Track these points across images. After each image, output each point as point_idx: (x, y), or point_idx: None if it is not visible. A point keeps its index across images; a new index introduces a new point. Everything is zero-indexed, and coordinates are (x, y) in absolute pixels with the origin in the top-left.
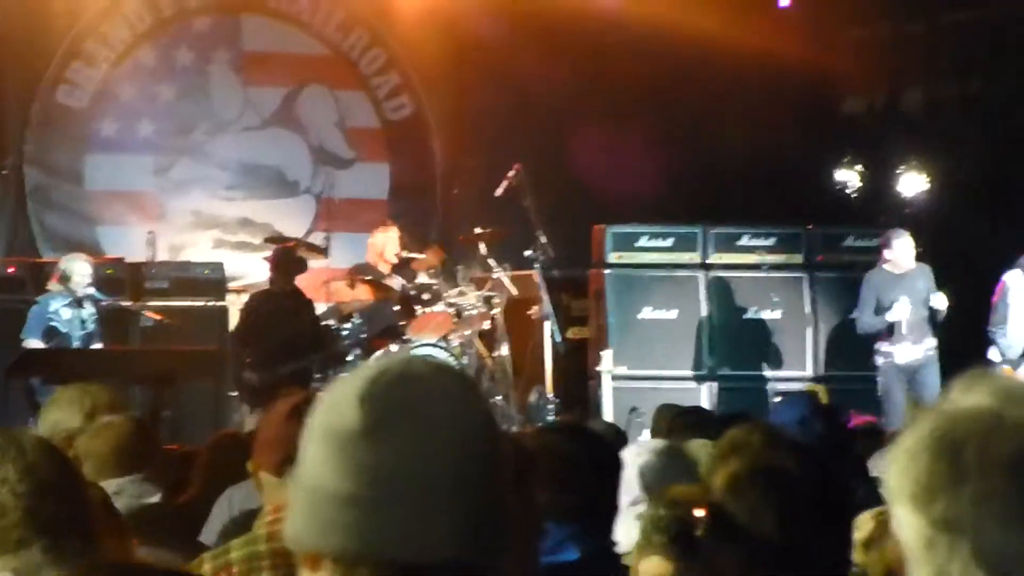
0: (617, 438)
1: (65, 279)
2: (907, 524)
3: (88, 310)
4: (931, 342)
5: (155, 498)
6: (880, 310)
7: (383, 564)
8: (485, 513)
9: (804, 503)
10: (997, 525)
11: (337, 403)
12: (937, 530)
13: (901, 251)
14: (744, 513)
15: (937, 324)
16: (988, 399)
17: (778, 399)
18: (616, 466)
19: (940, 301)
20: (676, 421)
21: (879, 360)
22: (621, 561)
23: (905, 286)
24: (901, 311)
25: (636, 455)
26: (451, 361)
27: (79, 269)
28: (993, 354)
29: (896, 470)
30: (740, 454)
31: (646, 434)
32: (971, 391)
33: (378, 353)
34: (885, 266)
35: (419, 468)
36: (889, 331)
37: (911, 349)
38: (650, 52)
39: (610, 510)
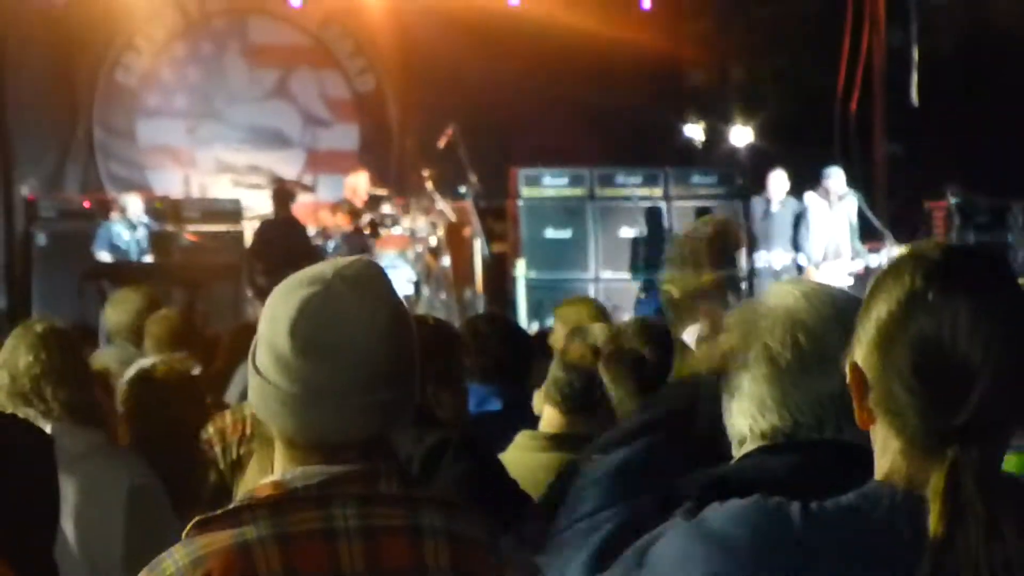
0: None
1: (123, 210)
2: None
3: (141, 232)
4: (793, 253)
5: (196, 371)
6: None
7: (314, 444)
8: (392, 399)
9: (655, 380)
10: (793, 379)
11: (275, 324)
12: (753, 381)
13: (773, 185)
14: (613, 386)
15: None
16: (790, 295)
17: (642, 295)
18: (523, 341)
19: None
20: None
21: (758, 264)
22: (528, 411)
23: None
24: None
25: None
26: (364, 266)
27: (133, 203)
28: (800, 259)
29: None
30: (615, 339)
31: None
32: (783, 288)
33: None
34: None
35: (337, 376)
36: (764, 244)
37: (782, 256)
38: (547, 41)
39: (522, 374)
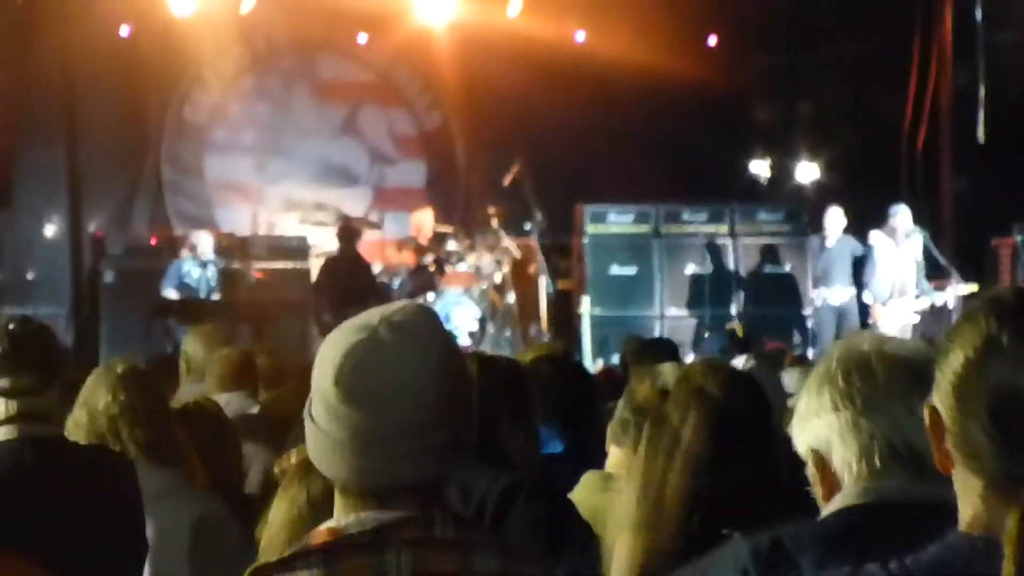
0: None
1: (193, 248)
2: (830, 424)
3: (211, 270)
4: (853, 289)
5: (254, 409)
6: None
7: (366, 490)
8: (445, 443)
9: (727, 420)
10: (901, 408)
11: (323, 373)
12: (859, 414)
13: (830, 222)
14: (682, 425)
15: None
16: (873, 341)
17: (707, 334)
18: (587, 382)
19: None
20: (635, 347)
21: (817, 302)
22: (591, 453)
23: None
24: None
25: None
26: (412, 312)
27: (204, 241)
28: (867, 297)
29: (814, 391)
30: (685, 379)
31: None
32: (858, 338)
33: (418, 300)
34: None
35: (383, 423)
36: (823, 280)
37: (841, 293)
38: (613, 77)
39: (584, 415)
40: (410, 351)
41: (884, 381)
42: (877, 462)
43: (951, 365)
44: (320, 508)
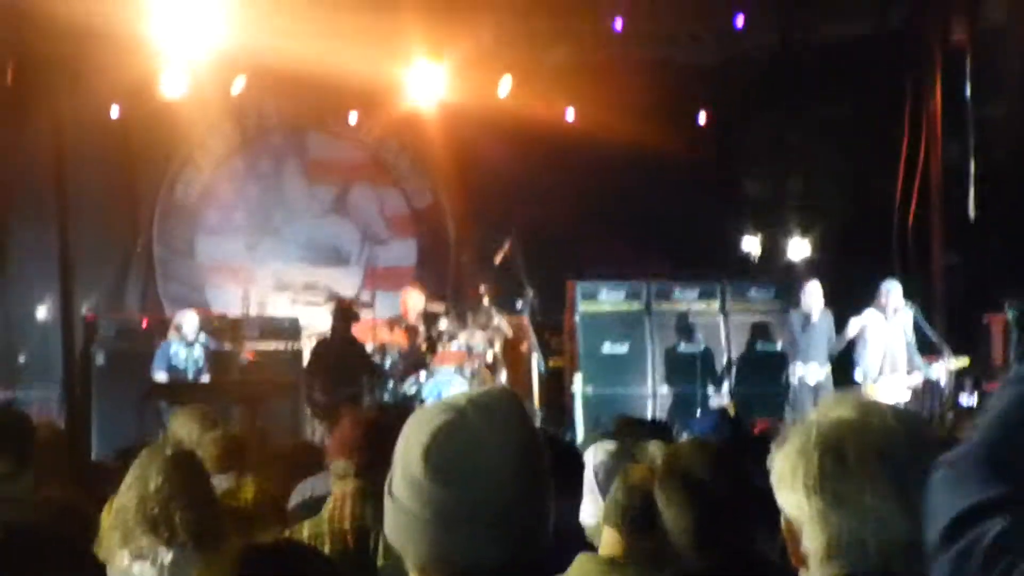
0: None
1: (179, 329)
2: (800, 504)
3: (197, 351)
4: (829, 367)
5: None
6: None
7: (447, 569)
8: (527, 526)
9: (711, 500)
10: (871, 498)
11: (409, 450)
12: (828, 505)
13: (811, 297)
14: (666, 506)
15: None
16: (852, 411)
17: (698, 412)
18: (576, 464)
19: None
20: (625, 427)
21: (794, 380)
22: (585, 535)
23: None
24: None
25: (593, 454)
26: (497, 396)
27: (188, 322)
28: (857, 374)
29: (789, 463)
30: (672, 460)
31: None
32: (838, 405)
33: (410, 379)
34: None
35: (471, 502)
36: (802, 357)
37: (818, 371)
38: (604, 154)
39: (573, 496)
40: (497, 432)
41: (855, 466)
42: (844, 555)
43: None
44: None
